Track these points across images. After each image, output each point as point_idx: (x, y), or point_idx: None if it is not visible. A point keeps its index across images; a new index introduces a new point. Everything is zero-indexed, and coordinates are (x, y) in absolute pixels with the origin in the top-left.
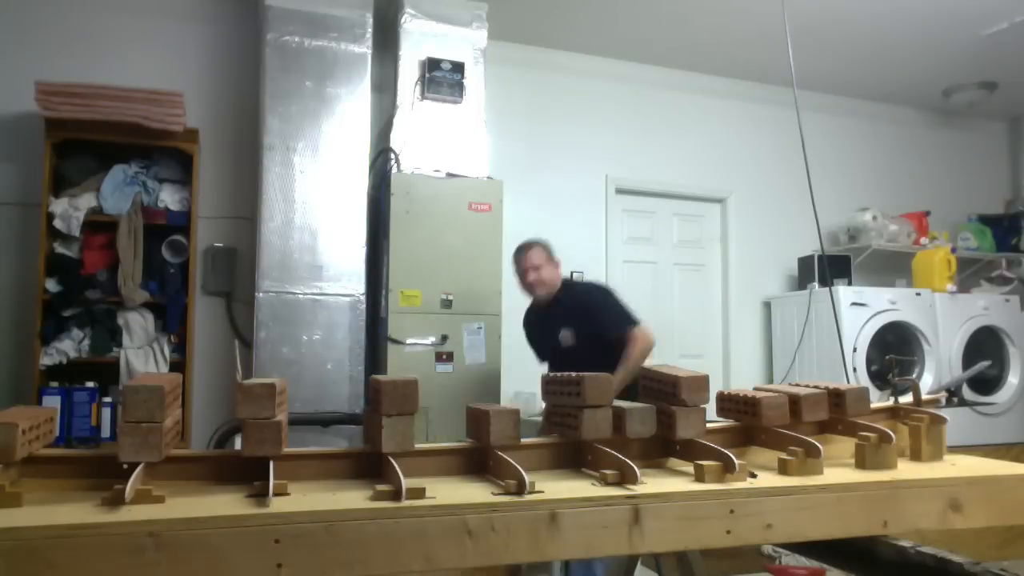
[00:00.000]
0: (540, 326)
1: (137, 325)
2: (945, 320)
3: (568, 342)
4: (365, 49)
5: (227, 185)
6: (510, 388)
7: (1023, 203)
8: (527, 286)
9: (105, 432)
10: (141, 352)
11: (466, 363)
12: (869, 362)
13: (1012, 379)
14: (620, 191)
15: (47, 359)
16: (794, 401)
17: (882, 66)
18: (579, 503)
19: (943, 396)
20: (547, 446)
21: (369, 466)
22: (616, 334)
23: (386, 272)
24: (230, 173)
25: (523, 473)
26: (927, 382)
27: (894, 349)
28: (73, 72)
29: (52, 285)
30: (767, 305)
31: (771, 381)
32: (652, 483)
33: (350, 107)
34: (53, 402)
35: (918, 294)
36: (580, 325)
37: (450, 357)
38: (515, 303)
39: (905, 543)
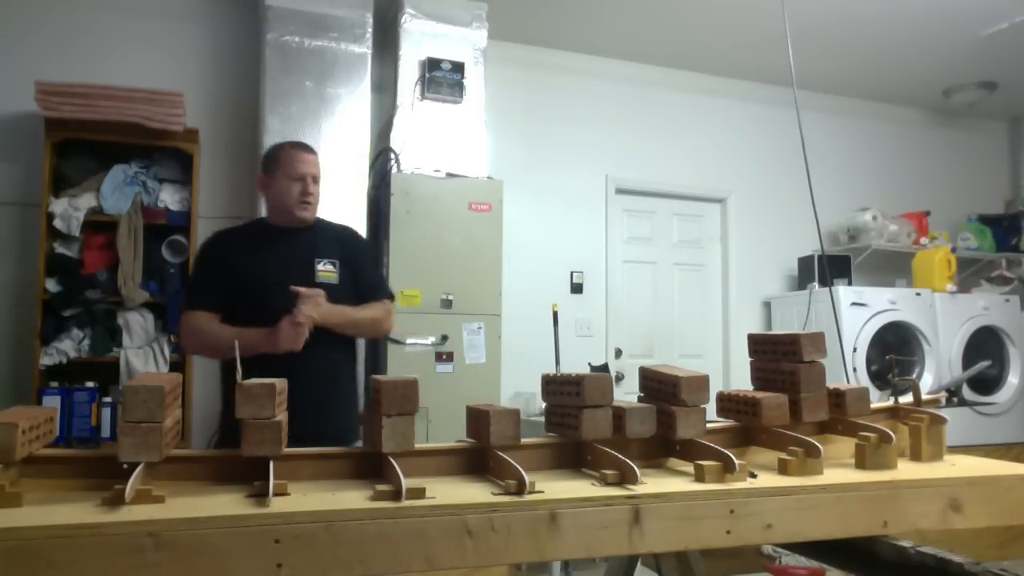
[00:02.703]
0: (268, 254)
1: (137, 325)
2: (945, 320)
3: (331, 279)
4: (365, 49)
5: (227, 185)
6: (510, 388)
7: (1023, 203)
8: (299, 197)
9: (105, 432)
10: (141, 352)
11: (466, 363)
12: (869, 362)
13: (1012, 379)
14: (620, 191)
15: (47, 359)
16: (794, 401)
17: (882, 66)
18: (579, 503)
19: (943, 396)
20: (547, 446)
21: (369, 466)
22: (379, 297)
23: (386, 272)
24: (230, 173)
25: (523, 473)
26: (927, 382)
27: (894, 349)
28: (73, 72)
29: (52, 285)
30: (767, 305)
31: None
32: (652, 483)
33: (350, 107)
34: (53, 402)
35: (918, 294)
36: (347, 266)
37: (450, 357)
38: (515, 303)
39: (905, 543)
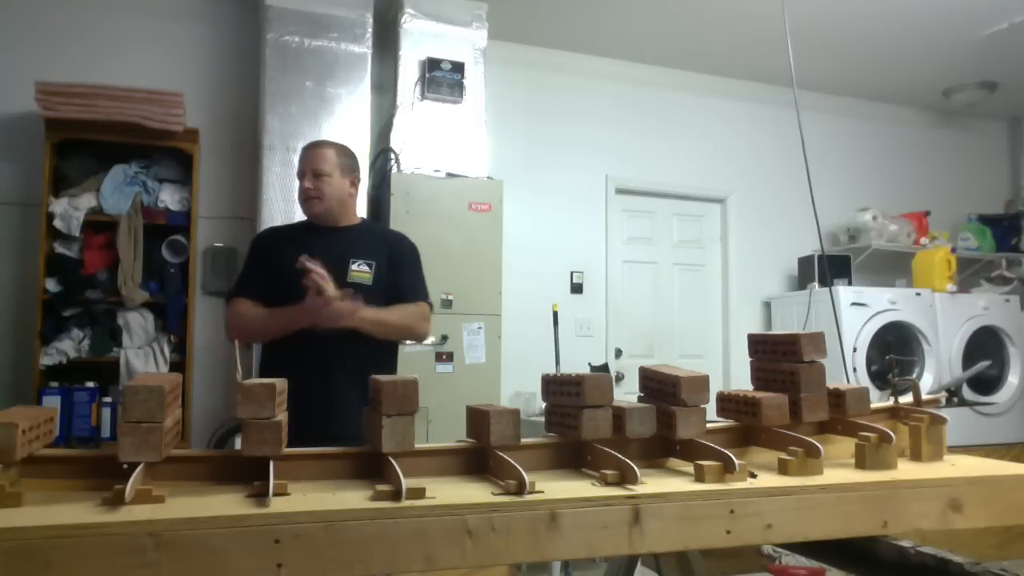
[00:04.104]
0: (300, 250)
1: (137, 325)
2: (945, 320)
3: (364, 280)
4: (365, 49)
5: (227, 185)
6: (510, 388)
7: (1023, 203)
8: (301, 194)
9: (105, 432)
10: (141, 352)
11: (466, 363)
12: (869, 362)
13: (1012, 379)
14: (620, 191)
15: (47, 359)
16: (794, 401)
17: (882, 66)
18: (579, 503)
19: (943, 396)
20: (547, 446)
21: (369, 466)
22: (413, 299)
23: None
24: (230, 173)
25: (523, 473)
26: (927, 382)
27: (894, 349)
28: (73, 72)
29: (52, 285)
30: (767, 305)
31: None
32: (652, 483)
33: (350, 107)
34: (53, 402)
35: (918, 294)
36: (382, 269)
37: (450, 357)
38: (515, 303)
39: (905, 543)
